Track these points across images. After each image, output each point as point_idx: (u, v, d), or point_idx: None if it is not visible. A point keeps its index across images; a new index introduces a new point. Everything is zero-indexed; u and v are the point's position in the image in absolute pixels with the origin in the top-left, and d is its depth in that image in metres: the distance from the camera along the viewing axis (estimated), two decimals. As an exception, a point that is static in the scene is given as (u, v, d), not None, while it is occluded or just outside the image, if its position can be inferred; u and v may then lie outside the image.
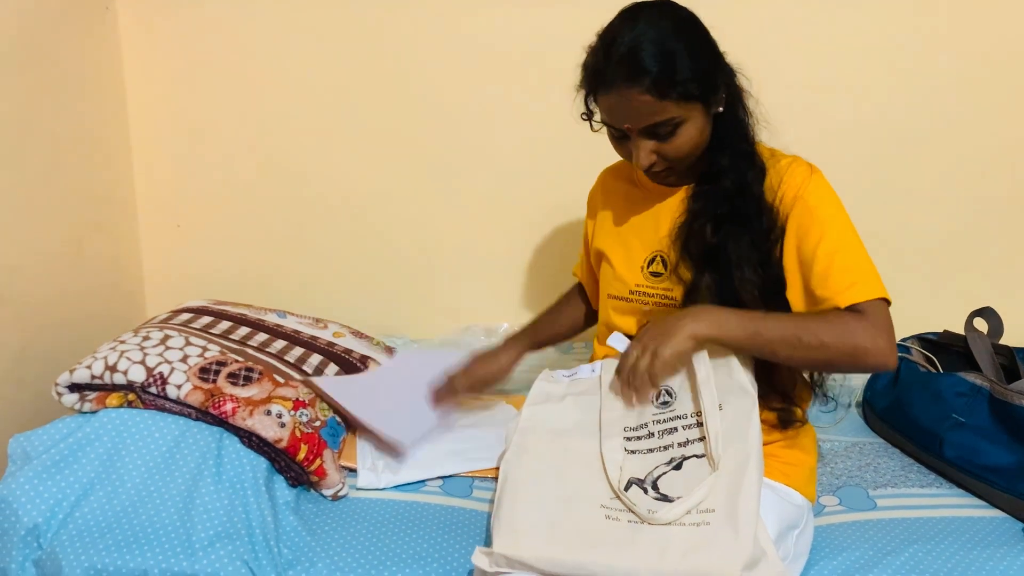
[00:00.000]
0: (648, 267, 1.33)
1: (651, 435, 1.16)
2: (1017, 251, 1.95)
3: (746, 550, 1.01)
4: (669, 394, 1.18)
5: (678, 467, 1.11)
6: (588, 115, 1.25)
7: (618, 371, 1.21)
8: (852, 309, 1.15)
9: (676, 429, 1.15)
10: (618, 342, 1.23)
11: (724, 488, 1.06)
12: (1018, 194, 1.93)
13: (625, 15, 1.18)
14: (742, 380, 1.16)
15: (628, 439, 1.18)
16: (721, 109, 1.22)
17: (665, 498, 1.08)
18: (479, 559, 1.10)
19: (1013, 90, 1.88)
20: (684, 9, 1.20)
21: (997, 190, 1.92)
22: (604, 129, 1.25)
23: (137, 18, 1.99)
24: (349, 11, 1.96)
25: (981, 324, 1.59)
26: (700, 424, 1.13)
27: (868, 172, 1.92)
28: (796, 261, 1.21)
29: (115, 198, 2.03)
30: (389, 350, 1.85)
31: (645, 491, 1.11)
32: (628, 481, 1.12)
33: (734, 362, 1.17)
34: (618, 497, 1.10)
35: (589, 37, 1.22)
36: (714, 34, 1.21)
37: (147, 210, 2.11)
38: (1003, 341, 1.56)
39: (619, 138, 1.23)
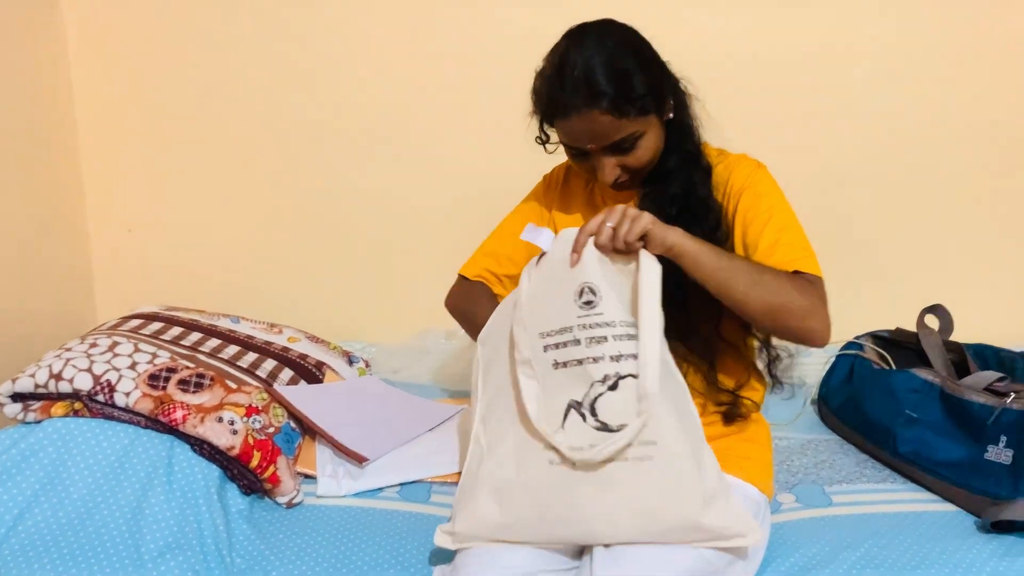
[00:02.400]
0: None
1: (577, 342, 1.10)
2: (967, 249, 1.98)
3: (704, 484, 1.04)
4: (593, 292, 1.10)
5: (614, 387, 1.08)
6: (544, 139, 1.28)
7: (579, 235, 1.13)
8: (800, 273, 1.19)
9: (606, 339, 1.08)
10: (536, 234, 1.14)
11: (665, 418, 1.06)
12: (969, 193, 1.96)
13: (572, 38, 1.20)
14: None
15: (554, 347, 1.12)
16: (671, 116, 1.26)
17: (605, 427, 1.07)
18: (441, 539, 1.12)
19: (965, 89, 1.91)
20: (626, 27, 1.23)
21: (949, 189, 1.96)
22: (559, 148, 1.27)
23: (85, 17, 1.95)
24: (304, 10, 1.93)
25: (932, 321, 1.61)
26: (629, 337, 1.08)
27: (821, 172, 1.94)
28: (743, 247, 1.24)
29: (63, 202, 1.99)
30: (347, 355, 1.82)
31: (584, 417, 1.08)
32: (567, 406, 1.09)
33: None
34: (550, 447, 1.08)
35: (550, 36, 1.23)
36: (657, 43, 1.24)
37: (97, 214, 2.06)
38: (953, 338, 1.58)
39: (580, 157, 1.24)
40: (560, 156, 1.34)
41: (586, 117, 1.16)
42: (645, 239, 1.09)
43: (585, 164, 1.25)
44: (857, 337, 1.70)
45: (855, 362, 1.64)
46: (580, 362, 1.09)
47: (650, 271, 1.09)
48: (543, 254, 1.15)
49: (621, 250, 1.09)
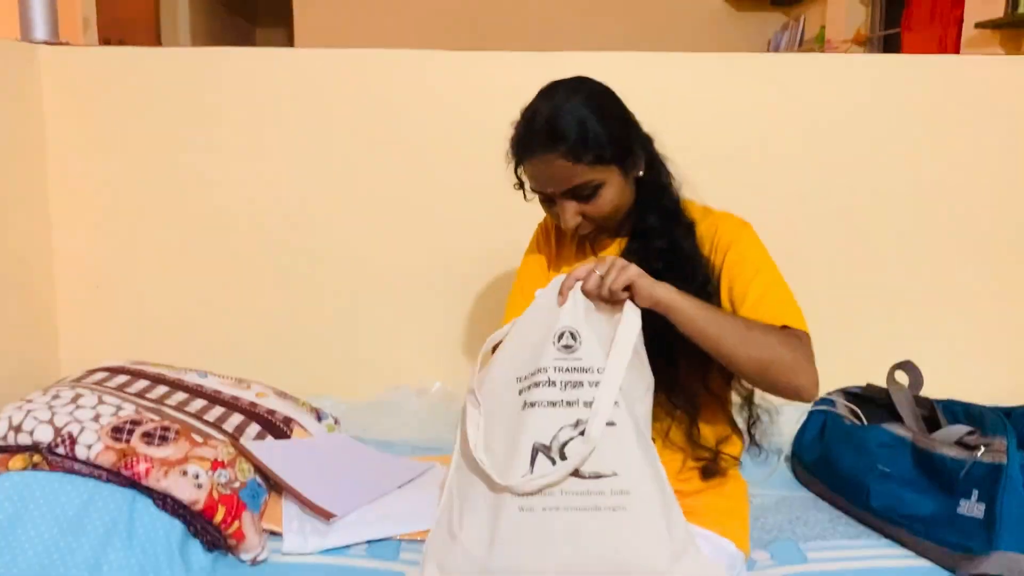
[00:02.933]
0: None
1: (552, 384, 1.11)
2: (938, 307, 2.02)
3: (672, 540, 1.05)
4: (573, 337, 1.12)
5: (584, 433, 1.08)
6: (520, 184, 1.33)
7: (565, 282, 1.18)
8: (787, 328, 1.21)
9: (581, 384, 1.10)
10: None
11: (640, 468, 1.06)
12: (940, 252, 2.00)
13: (544, 92, 1.28)
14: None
15: (526, 389, 1.12)
16: (641, 173, 1.30)
17: (576, 473, 1.07)
18: None
19: (937, 153, 1.97)
20: (597, 83, 1.29)
21: (920, 248, 2.00)
22: (536, 197, 1.32)
23: (60, 75, 1.96)
24: (270, 66, 1.97)
25: (903, 377, 1.62)
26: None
27: (791, 230, 1.98)
28: (729, 302, 1.27)
29: (30, 257, 1.96)
30: (315, 411, 1.80)
31: (553, 462, 1.08)
32: (533, 449, 1.09)
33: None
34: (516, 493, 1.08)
35: (518, 89, 1.30)
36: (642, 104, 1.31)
37: (64, 269, 2.04)
38: (923, 394, 1.59)
39: (547, 202, 1.31)
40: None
41: (546, 160, 1.23)
42: (632, 290, 1.11)
43: (551, 209, 1.30)
44: (829, 393, 1.71)
45: (827, 418, 1.65)
46: (553, 404, 1.10)
47: (630, 322, 1.11)
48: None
49: (607, 299, 1.12)
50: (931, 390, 1.60)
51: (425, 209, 2.02)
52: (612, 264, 1.12)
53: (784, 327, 1.21)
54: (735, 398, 1.40)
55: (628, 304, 1.13)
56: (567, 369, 1.11)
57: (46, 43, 1.96)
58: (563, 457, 1.08)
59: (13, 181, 1.89)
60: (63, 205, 2.01)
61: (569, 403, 1.10)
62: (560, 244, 1.48)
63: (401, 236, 2.03)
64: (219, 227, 2.03)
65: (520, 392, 1.12)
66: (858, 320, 2.01)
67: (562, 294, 1.14)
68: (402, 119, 1.98)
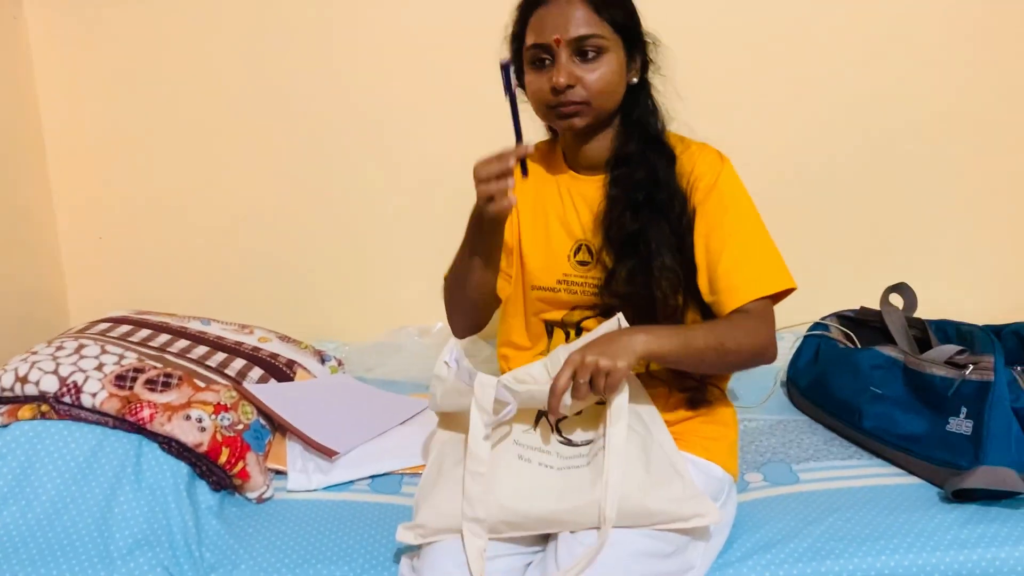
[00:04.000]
0: (575, 256, 1.33)
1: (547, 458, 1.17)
2: (931, 230, 2.01)
3: (649, 474, 1.11)
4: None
5: (578, 411, 1.15)
6: (507, 62, 1.22)
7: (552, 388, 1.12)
8: (747, 307, 1.22)
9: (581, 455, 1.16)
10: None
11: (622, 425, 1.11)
12: (933, 175, 1.99)
13: None
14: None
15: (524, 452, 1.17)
16: (636, 80, 1.27)
17: (569, 442, 1.14)
18: (404, 535, 1.13)
19: (927, 76, 1.94)
20: None
21: (910, 173, 1.98)
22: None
23: (48, 28, 1.95)
24: (265, 16, 1.94)
25: (897, 300, 1.63)
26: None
27: (786, 157, 1.96)
28: (704, 250, 1.25)
29: (32, 212, 1.99)
30: (319, 353, 1.83)
31: (551, 428, 1.16)
32: (539, 412, 1.16)
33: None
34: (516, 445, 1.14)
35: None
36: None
37: (67, 223, 2.06)
38: (917, 314, 1.60)
39: (537, 66, 1.24)
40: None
41: (564, 4, 1.20)
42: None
43: (543, 76, 1.23)
44: (823, 318, 1.72)
45: (821, 342, 1.66)
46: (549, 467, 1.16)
47: (619, 398, 1.12)
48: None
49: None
50: (925, 311, 1.61)
51: (425, 150, 2.01)
52: (591, 369, 1.07)
53: (754, 301, 1.22)
54: None
55: (615, 406, 1.12)
56: (568, 456, 1.16)
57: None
58: (558, 431, 1.16)
59: (9, 138, 1.90)
60: (61, 158, 2.02)
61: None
62: (522, 196, 1.39)
63: (402, 179, 2.03)
64: (219, 175, 2.04)
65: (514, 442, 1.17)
66: (852, 244, 2.01)
67: (553, 413, 1.10)
68: (399, 61, 1.96)
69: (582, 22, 1.20)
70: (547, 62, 1.22)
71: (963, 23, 1.92)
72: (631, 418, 1.13)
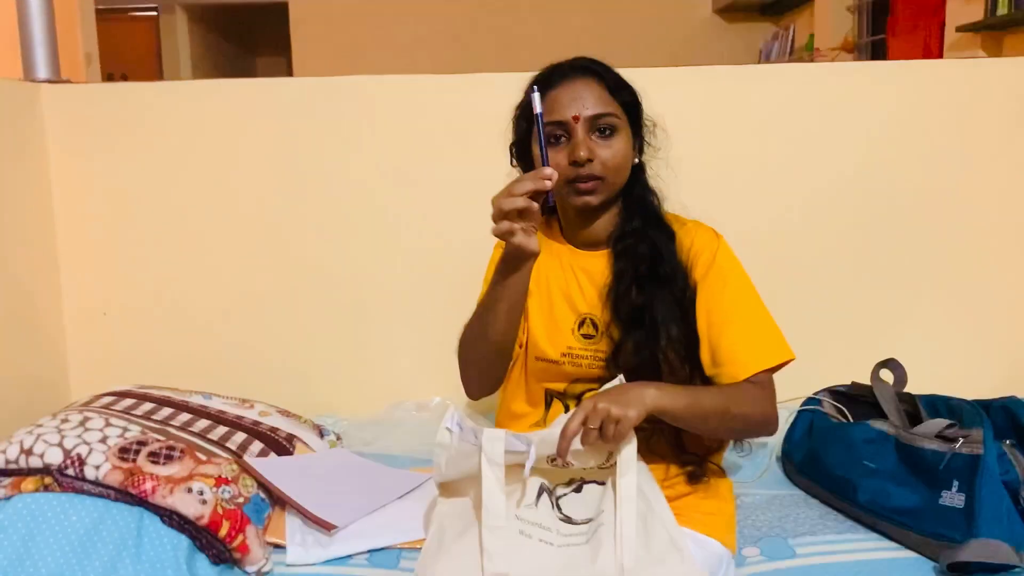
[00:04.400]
0: (579, 330, 1.37)
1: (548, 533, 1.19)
2: (918, 304, 2.05)
3: (649, 551, 1.13)
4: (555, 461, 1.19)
5: (578, 490, 1.18)
6: (516, 141, 1.35)
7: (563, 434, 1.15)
8: (754, 379, 1.28)
9: (571, 464, 1.18)
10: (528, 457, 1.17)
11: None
12: (918, 254, 2.04)
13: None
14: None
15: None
16: (637, 161, 1.34)
17: (569, 519, 1.15)
18: None
19: (907, 146, 2.02)
20: None
21: (898, 250, 2.04)
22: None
23: (62, 114, 2.02)
24: (268, 95, 2.03)
25: (887, 375, 1.66)
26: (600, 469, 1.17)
27: (776, 236, 2.02)
28: (707, 325, 1.30)
29: (38, 289, 2.02)
30: (317, 428, 1.85)
31: (551, 506, 1.18)
32: (540, 487, 1.18)
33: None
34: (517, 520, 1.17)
35: (509, 109, 1.38)
36: None
37: (72, 299, 2.10)
38: (908, 389, 1.63)
39: (556, 142, 1.28)
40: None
41: (581, 83, 1.28)
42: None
43: (560, 152, 1.27)
44: (815, 393, 1.74)
45: (814, 417, 1.69)
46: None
47: (627, 449, 1.16)
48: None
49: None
50: (915, 386, 1.64)
51: (423, 227, 2.07)
52: (603, 416, 1.11)
53: (757, 374, 1.28)
54: None
55: (623, 458, 1.15)
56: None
57: (48, 82, 2.03)
58: (558, 508, 1.19)
59: (20, 217, 1.95)
60: (69, 238, 2.07)
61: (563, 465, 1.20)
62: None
63: (401, 256, 2.08)
64: (220, 254, 2.09)
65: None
66: (843, 320, 2.05)
67: (561, 456, 1.13)
68: (400, 142, 2.03)
69: (599, 101, 1.27)
70: (562, 139, 1.28)
71: (961, 98, 2.01)
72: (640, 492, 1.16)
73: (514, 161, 1.38)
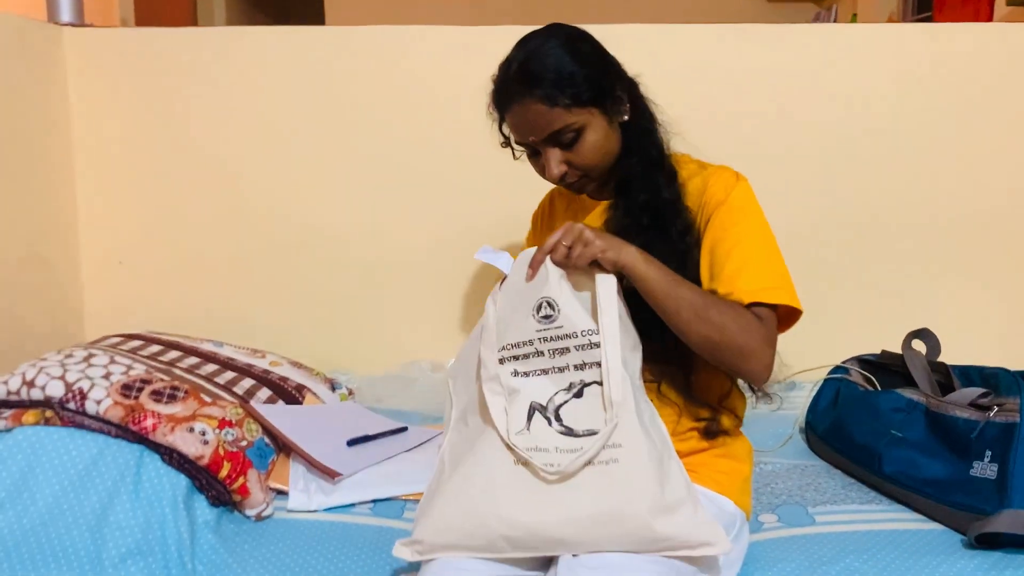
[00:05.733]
0: None
1: (540, 354, 1.12)
2: (951, 272, 1.98)
3: (664, 495, 1.05)
4: (551, 307, 1.12)
5: (579, 395, 1.10)
6: (506, 141, 1.31)
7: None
8: (753, 310, 1.17)
9: (568, 350, 1.11)
10: (494, 257, 1.19)
11: (632, 423, 1.07)
12: (954, 223, 1.96)
13: (520, 42, 1.25)
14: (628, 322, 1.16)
15: (514, 358, 1.13)
16: (626, 118, 1.26)
17: (570, 431, 1.08)
18: (401, 551, 1.09)
19: (945, 118, 1.94)
20: (573, 27, 1.26)
21: (935, 219, 1.96)
22: (525, 155, 1.29)
23: (85, 53, 2.00)
24: (288, 48, 1.99)
25: (919, 346, 1.59)
26: (592, 345, 1.10)
27: (809, 199, 1.95)
28: (709, 259, 1.22)
29: (57, 231, 2.01)
30: (329, 381, 1.82)
31: (549, 422, 1.09)
32: (530, 407, 1.11)
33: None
34: (511, 450, 1.08)
35: None
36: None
37: (89, 245, 2.08)
38: (941, 359, 1.56)
39: (532, 155, 1.27)
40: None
41: (524, 106, 1.20)
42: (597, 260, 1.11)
43: (537, 163, 1.27)
44: (844, 361, 1.68)
45: (841, 386, 1.62)
46: (545, 371, 1.12)
47: (605, 284, 1.11)
48: (505, 277, 1.18)
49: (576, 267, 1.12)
50: (949, 357, 1.56)
51: (443, 186, 2.03)
52: (579, 237, 1.11)
53: (753, 304, 1.17)
54: None
55: (598, 270, 1.13)
56: (550, 338, 1.12)
57: (71, 25, 2.01)
58: (558, 419, 1.10)
59: (41, 159, 1.94)
60: (88, 184, 2.06)
61: (560, 368, 1.11)
62: (552, 219, 1.46)
63: (418, 214, 2.04)
64: (240, 206, 2.06)
65: (502, 362, 1.13)
66: (874, 288, 1.98)
67: (532, 268, 1.13)
68: (421, 97, 1.99)
69: (545, 122, 1.20)
70: (536, 149, 1.25)
71: (1005, 66, 1.93)
72: (650, 427, 1.10)
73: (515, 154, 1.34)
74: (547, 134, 1.20)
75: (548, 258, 1.12)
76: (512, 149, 1.31)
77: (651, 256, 1.14)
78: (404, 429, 1.60)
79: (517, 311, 1.14)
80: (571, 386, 1.11)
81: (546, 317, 1.12)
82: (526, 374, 1.13)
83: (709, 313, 1.12)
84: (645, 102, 1.29)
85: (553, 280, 1.12)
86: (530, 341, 1.12)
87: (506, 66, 1.23)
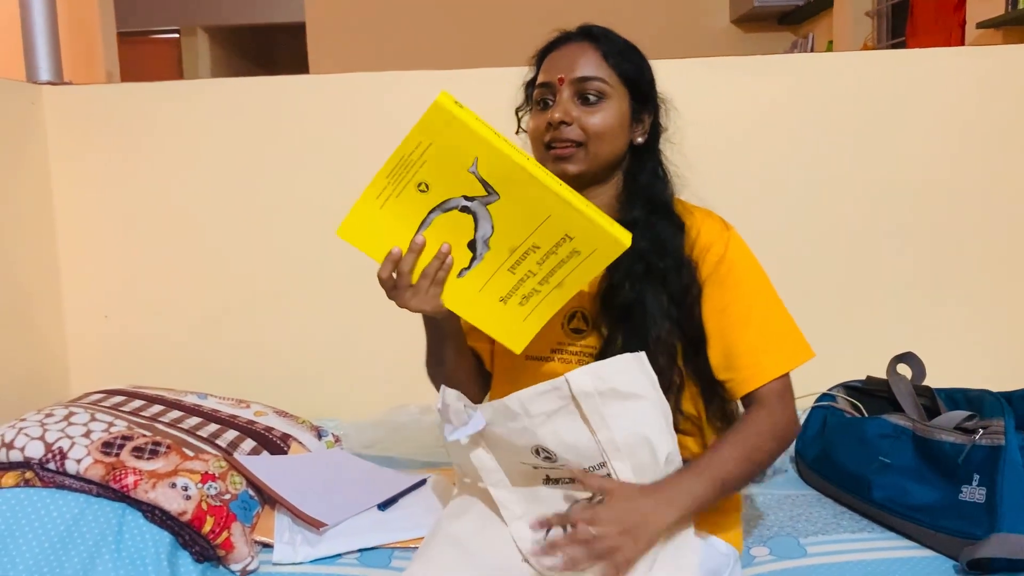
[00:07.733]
0: (568, 324, 1.31)
1: (554, 482, 1.15)
2: (934, 297, 1.99)
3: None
4: (548, 451, 1.11)
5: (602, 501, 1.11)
6: (524, 101, 1.32)
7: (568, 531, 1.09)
8: (767, 388, 1.21)
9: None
10: (467, 430, 1.13)
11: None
12: (933, 245, 1.97)
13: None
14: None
15: (538, 467, 1.15)
16: (641, 141, 1.26)
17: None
18: None
19: (927, 137, 1.96)
20: None
21: (914, 238, 1.97)
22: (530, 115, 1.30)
23: (63, 111, 2.02)
24: (268, 98, 2.01)
25: (904, 370, 1.59)
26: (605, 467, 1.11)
27: (791, 227, 1.96)
28: (718, 326, 1.22)
29: (39, 288, 2.01)
30: (315, 429, 1.80)
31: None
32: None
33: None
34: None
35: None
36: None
37: (72, 299, 2.08)
38: (925, 384, 1.56)
39: (544, 107, 1.25)
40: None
41: (573, 46, 1.24)
42: None
43: (541, 117, 1.24)
44: (829, 389, 1.68)
45: (828, 414, 1.62)
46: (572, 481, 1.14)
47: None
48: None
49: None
50: (934, 380, 1.56)
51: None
52: (602, 552, 1.03)
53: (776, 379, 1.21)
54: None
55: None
56: (559, 474, 1.15)
57: (49, 83, 2.03)
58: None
59: (21, 218, 1.94)
60: (70, 240, 2.06)
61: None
62: None
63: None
64: (222, 256, 2.06)
65: (536, 467, 1.15)
66: (857, 313, 1.98)
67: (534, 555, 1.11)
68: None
69: (587, 64, 1.22)
70: (550, 102, 1.23)
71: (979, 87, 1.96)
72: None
73: (520, 127, 1.35)
74: (580, 75, 1.21)
75: (527, 408, 1.10)
76: (519, 121, 1.31)
77: (671, 483, 1.11)
78: (423, 482, 1.56)
79: (515, 453, 1.15)
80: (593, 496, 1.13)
81: (547, 459, 1.13)
82: (557, 481, 1.16)
83: (753, 459, 1.17)
84: (661, 151, 1.31)
85: (541, 432, 1.10)
86: (535, 468, 1.15)
87: (568, 29, 1.28)
